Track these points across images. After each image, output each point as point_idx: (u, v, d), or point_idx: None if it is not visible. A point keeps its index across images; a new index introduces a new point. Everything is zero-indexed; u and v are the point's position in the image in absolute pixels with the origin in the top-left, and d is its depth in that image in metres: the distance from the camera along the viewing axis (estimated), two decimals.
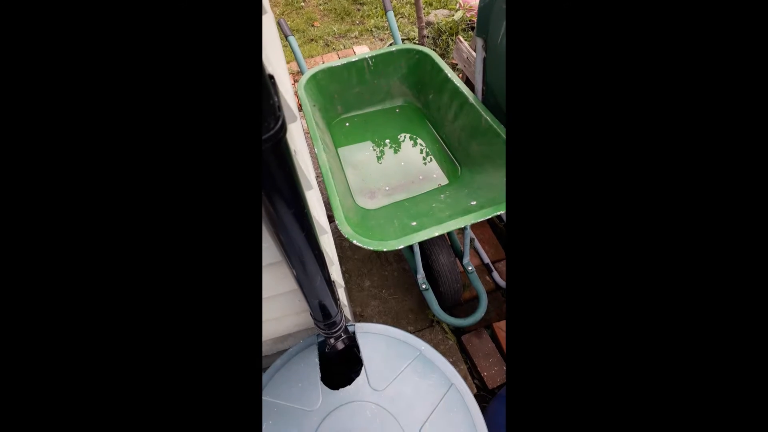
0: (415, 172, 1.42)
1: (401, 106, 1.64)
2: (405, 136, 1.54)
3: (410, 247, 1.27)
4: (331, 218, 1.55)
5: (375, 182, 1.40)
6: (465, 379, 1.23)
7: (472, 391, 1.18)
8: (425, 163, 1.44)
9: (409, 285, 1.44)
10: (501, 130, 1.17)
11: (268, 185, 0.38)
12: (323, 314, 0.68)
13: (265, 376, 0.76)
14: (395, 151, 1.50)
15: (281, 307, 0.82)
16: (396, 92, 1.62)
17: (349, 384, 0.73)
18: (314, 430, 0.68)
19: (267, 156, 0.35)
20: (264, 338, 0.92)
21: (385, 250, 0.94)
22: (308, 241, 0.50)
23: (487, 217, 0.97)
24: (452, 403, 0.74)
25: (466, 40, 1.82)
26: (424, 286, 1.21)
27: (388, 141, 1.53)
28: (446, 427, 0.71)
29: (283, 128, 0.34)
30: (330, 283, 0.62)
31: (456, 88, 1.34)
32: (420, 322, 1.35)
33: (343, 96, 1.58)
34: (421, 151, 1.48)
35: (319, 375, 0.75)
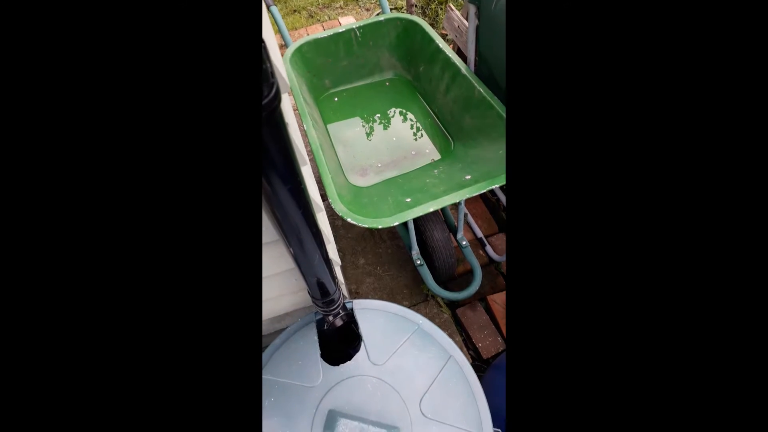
0: (408, 147, 1.39)
1: (391, 79, 1.59)
2: (396, 111, 1.50)
3: (404, 224, 1.27)
4: (322, 197, 1.53)
5: (366, 159, 1.37)
6: (460, 350, 1.26)
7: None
8: (417, 138, 1.41)
9: (403, 261, 1.45)
10: (494, 102, 1.15)
11: (262, 160, 0.36)
12: (321, 292, 0.67)
13: (264, 356, 0.76)
14: (386, 127, 1.46)
15: (278, 287, 0.81)
16: (385, 64, 1.57)
17: (349, 360, 0.74)
18: (316, 405, 0.69)
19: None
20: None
21: (380, 227, 0.93)
22: (305, 218, 0.49)
23: (483, 191, 0.96)
24: (451, 374, 0.76)
25: (457, 8, 1.75)
26: (419, 262, 1.21)
27: (378, 116, 1.49)
28: (446, 397, 0.72)
29: (278, 96, 0.32)
30: (328, 261, 0.61)
31: (448, 59, 1.30)
32: (415, 297, 1.37)
33: (330, 69, 1.52)
34: (412, 126, 1.45)
35: (318, 352, 0.75)
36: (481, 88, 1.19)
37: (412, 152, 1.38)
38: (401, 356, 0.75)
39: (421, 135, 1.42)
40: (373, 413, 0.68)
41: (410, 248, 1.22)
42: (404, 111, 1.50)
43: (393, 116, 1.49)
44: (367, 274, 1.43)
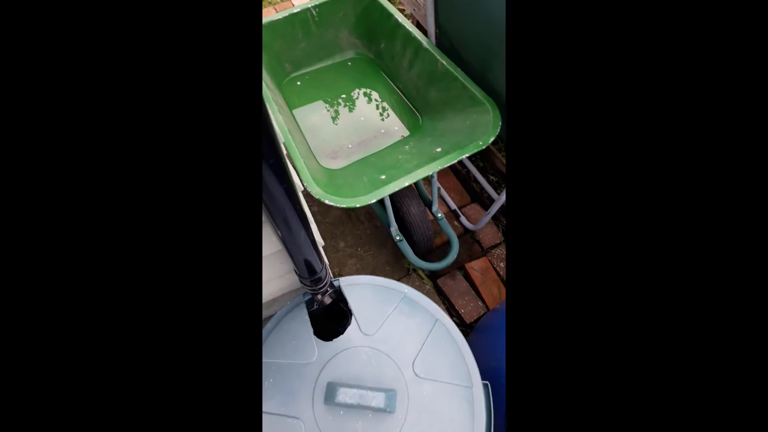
0: (376, 126, 1.40)
1: (353, 59, 1.57)
2: (360, 91, 1.49)
3: (381, 202, 1.28)
4: None
5: (336, 142, 1.36)
6: None
7: None
8: (384, 117, 1.42)
9: (382, 240, 1.47)
10: (458, 74, 1.17)
11: None
12: (309, 270, 0.68)
13: None
14: (351, 108, 1.46)
15: (265, 271, 0.81)
16: (345, 44, 1.55)
17: (341, 334, 0.76)
18: (314, 379, 0.71)
19: None
20: None
21: (358, 206, 0.95)
22: (288, 195, 0.49)
23: (454, 162, 0.99)
24: (439, 336, 0.80)
25: None
26: (398, 238, 1.24)
27: (343, 97, 1.48)
28: (437, 357, 0.76)
29: None
30: (312, 239, 0.62)
31: (408, 34, 1.30)
32: (397, 272, 1.40)
33: (289, 53, 1.48)
34: (378, 106, 1.45)
35: (311, 331, 0.76)
36: (444, 61, 1.20)
37: (381, 131, 1.38)
38: (391, 324, 0.78)
39: (388, 114, 1.43)
40: (369, 380, 0.71)
41: (388, 225, 1.25)
42: (369, 91, 1.49)
43: (357, 97, 1.48)
44: (348, 256, 1.45)
